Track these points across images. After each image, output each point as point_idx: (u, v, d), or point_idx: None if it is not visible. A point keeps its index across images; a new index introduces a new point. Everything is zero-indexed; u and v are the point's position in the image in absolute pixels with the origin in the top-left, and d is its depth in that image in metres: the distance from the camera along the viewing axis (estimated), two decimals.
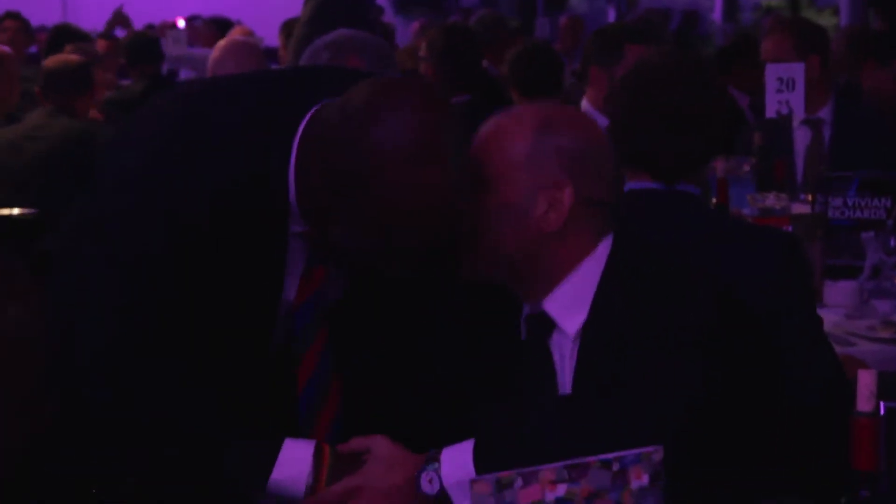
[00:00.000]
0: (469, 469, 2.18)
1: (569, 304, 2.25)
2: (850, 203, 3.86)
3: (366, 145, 2.09)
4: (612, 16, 13.44)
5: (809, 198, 4.37)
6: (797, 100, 3.82)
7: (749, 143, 4.98)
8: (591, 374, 2.22)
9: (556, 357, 2.27)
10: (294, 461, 2.26)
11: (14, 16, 9.29)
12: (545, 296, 2.26)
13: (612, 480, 1.90)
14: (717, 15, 9.14)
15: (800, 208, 4.40)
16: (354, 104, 2.11)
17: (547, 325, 2.27)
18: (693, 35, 10.97)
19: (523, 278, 2.27)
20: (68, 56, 6.27)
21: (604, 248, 2.26)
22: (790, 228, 3.96)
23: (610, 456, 1.93)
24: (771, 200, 4.30)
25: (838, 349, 2.90)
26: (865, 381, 2.20)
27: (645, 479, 1.91)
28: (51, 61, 5.95)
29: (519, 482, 1.85)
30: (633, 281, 2.23)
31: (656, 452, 1.91)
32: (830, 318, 3.35)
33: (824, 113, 4.78)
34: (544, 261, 2.25)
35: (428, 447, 2.30)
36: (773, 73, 3.83)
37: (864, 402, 2.19)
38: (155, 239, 2.20)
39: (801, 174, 4.71)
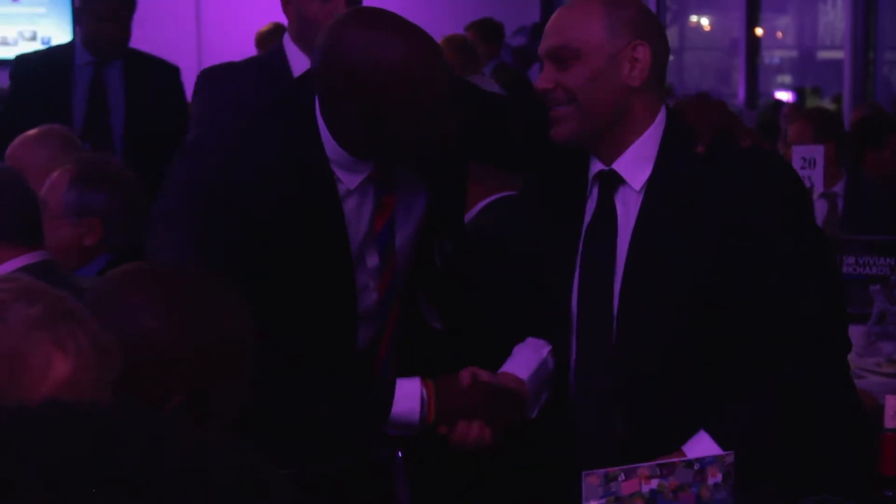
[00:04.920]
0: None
1: (635, 162, 2.23)
2: (860, 261, 3.90)
3: (355, 64, 2.08)
4: None
5: None
6: (818, 176, 3.76)
7: None
8: (653, 223, 2.21)
9: (619, 210, 2.25)
10: (406, 397, 2.23)
11: None
12: (617, 156, 2.24)
13: (694, 477, 1.99)
14: (739, 101, 9.11)
15: None
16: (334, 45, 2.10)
17: (614, 181, 2.25)
18: None
19: (606, 135, 2.23)
20: None
21: (662, 116, 2.25)
22: None
23: (692, 458, 2.02)
24: None
25: None
26: (892, 404, 2.26)
27: (719, 477, 2.01)
28: None
29: (622, 476, 1.95)
30: (690, 143, 2.24)
31: (728, 456, 2.01)
32: None
33: (838, 188, 4.78)
34: (627, 117, 2.22)
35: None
36: (798, 154, 3.80)
37: (890, 421, 2.27)
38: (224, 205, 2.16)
39: None
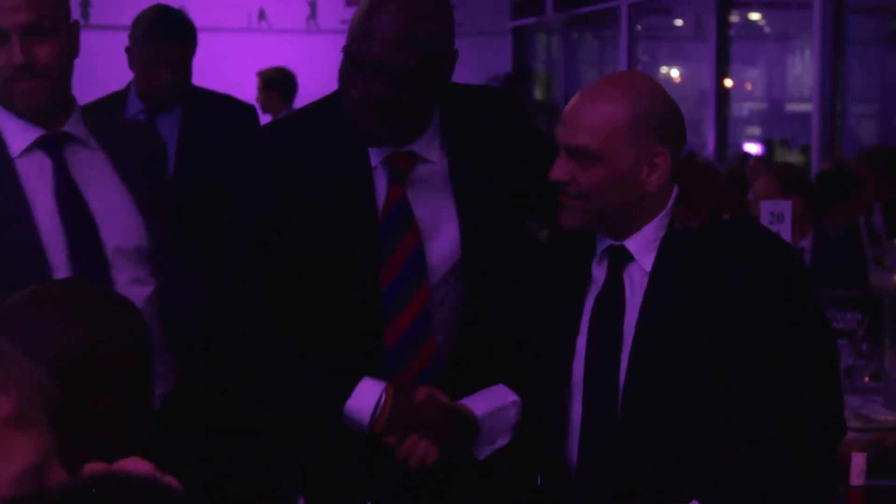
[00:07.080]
0: None
1: (646, 244, 2.24)
2: (828, 316, 3.79)
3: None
4: None
5: None
6: (785, 231, 3.59)
7: None
8: (659, 302, 2.21)
9: (627, 285, 2.25)
10: (365, 395, 2.26)
11: None
12: (627, 235, 2.25)
13: None
14: (709, 152, 9.14)
15: None
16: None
17: (625, 258, 2.25)
18: None
19: (616, 224, 2.25)
20: None
21: (674, 198, 2.26)
22: None
23: None
24: None
25: None
26: (857, 461, 2.36)
27: None
28: None
29: None
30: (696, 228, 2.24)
31: None
32: None
33: (805, 242, 4.78)
34: (639, 210, 2.24)
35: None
36: (766, 209, 3.67)
37: (856, 478, 2.36)
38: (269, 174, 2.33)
39: None
